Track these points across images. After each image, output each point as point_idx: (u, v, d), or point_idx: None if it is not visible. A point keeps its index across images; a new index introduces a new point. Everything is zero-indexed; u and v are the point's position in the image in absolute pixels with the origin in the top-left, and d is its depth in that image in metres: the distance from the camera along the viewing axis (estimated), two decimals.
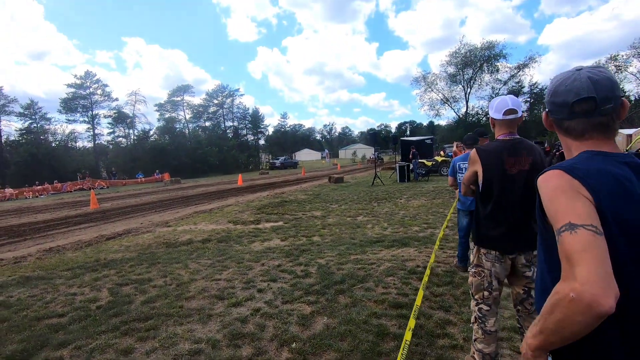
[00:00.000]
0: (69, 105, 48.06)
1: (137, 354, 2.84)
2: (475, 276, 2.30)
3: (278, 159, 53.66)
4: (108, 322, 3.40)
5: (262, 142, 70.58)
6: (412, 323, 2.43)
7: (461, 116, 48.55)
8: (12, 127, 44.77)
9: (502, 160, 2.15)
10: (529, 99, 49.60)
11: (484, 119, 45.49)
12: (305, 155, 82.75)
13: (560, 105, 0.99)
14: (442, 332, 2.93)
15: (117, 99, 51.75)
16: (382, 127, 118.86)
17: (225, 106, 61.83)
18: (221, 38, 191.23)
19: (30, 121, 45.24)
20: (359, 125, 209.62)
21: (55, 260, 6.03)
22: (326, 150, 78.88)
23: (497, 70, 45.78)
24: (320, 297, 3.75)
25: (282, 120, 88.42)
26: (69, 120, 48.80)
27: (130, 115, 52.90)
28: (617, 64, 39.96)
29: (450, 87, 48.41)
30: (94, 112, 49.77)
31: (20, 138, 44.20)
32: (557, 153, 17.97)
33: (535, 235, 2.16)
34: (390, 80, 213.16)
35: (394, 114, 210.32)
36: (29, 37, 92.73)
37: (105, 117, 51.22)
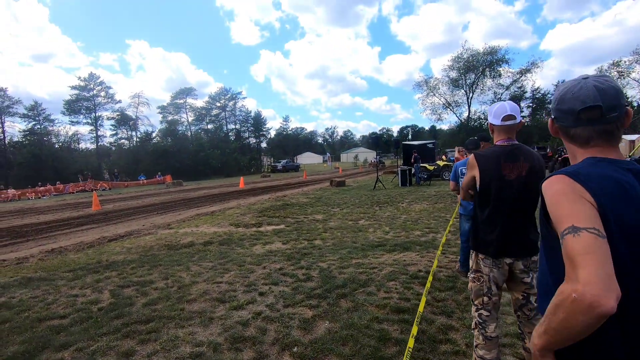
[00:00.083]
0: (73, 107, 48.40)
1: (138, 356, 2.84)
2: (474, 281, 2.31)
3: (280, 162, 53.77)
4: (109, 324, 3.39)
5: (264, 145, 70.85)
6: (414, 330, 2.42)
7: (463, 121, 48.56)
8: (16, 128, 45.16)
9: (499, 165, 2.16)
10: (531, 104, 49.59)
11: (486, 123, 45.34)
12: (307, 159, 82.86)
13: (566, 113, 1.01)
14: (444, 338, 2.92)
15: (120, 101, 52.18)
16: (384, 131, 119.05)
17: (227, 109, 62.10)
18: (224, 41, 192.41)
19: (33, 122, 45.59)
20: (361, 129, 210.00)
21: (57, 261, 6.04)
22: (328, 154, 78.93)
23: (500, 75, 45.86)
24: (322, 301, 3.74)
25: (284, 123, 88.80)
26: (72, 121, 49.22)
27: (133, 117, 53.24)
28: (620, 69, 39.92)
29: (453, 91, 48.52)
30: (97, 114, 50.15)
31: (23, 139, 44.50)
32: (560, 158, 17.93)
33: (534, 241, 2.18)
34: (392, 84, 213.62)
35: (396, 118, 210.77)
36: (33, 39, 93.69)
37: (108, 119, 51.64)
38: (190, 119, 60.01)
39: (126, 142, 53.79)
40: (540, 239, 1.07)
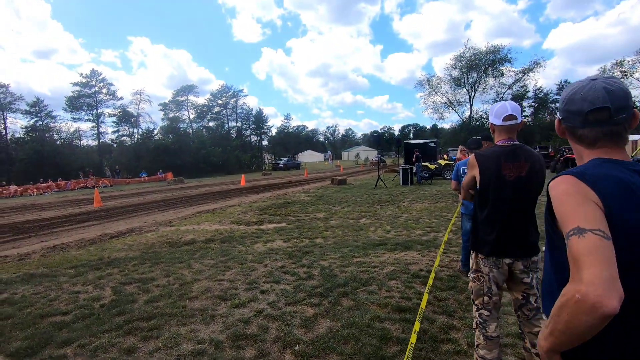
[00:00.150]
0: (74, 104, 48.49)
1: (140, 353, 2.85)
2: (474, 281, 2.31)
3: (281, 160, 53.79)
4: (111, 321, 3.41)
5: (265, 142, 70.84)
6: (417, 326, 2.42)
7: (465, 120, 48.50)
8: (18, 124, 45.23)
9: (499, 165, 2.16)
10: (533, 104, 49.53)
11: (488, 123, 45.39)
12: (308, 157, 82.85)
13: (574, 114, 1.01)
14: (445, 337, 2.92)
15: (122, 98, 52.28)
16: (386, 129, 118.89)
17: (229, 106, 62.13)
18: (226, 38, 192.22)
19: (35, 119, 45.67)
20: (362, 127, 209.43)
21: (59, 257, 6.06)
22: (329, 152, 78.89)
23: (502, 75, 45.77)
24: (323, 300, 3.75)
25: (286, 121, 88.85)
26: (74, 118, 49.32)
27: (135, 114, 53.29)
28: (623, 69, 39.77)
29: (455, 90, 48.46)
30: (98, 111, 50.23)
31: (25, 135, 44.60)
32: (562, 158, 17.89)
33: (534, 241, 2.18)
34: (394, 82, 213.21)
35: (397, 117, 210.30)
36: (35, 35, 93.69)
37: (110, 115, 51.76)
38: (191, 117, 60.14)
39: (128, 139, 53.90)
40: (546, 239, 1.07)
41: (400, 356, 2.66)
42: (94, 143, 51.78)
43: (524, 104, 48.74)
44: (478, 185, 2.26)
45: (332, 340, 2.93)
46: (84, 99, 49.03)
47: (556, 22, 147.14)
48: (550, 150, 27.05)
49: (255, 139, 66.77)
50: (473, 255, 2.33)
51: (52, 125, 47.57)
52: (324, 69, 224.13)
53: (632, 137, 21.67)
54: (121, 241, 7.19)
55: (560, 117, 1.07)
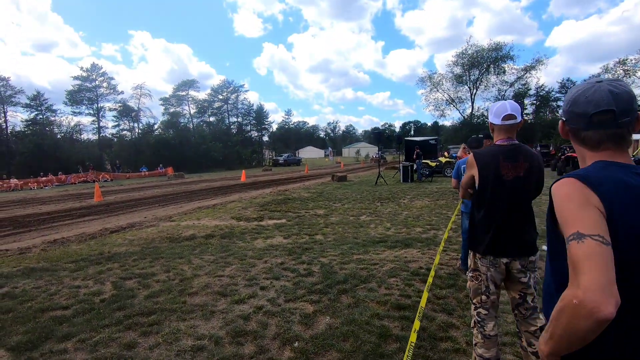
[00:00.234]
0: (75, 98, 48.39)
1: (140, 348, 2.86)
2: (472, 280, 2.32)
3: (281, 156, 53.77)
4: (112, 316, 3.42)
5: (265, 138, 70.75)
6: (417, 325, 2.43)
7: (466, 117, 48.37)
8: (18, 117, 45.14)
9: (498, 165, 2.16)
10: (534, 102, 49.36)
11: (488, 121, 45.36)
12: (308, 153, 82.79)
13: (579, 115, 1.01)
14: (444, 335, 2.93)
15: (122, 92, 52.19)
16: (386, 126, 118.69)
17: (229, 102, 62.00)
18: (227, 33, 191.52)
19: (36, 112, 45.57)
20: (363, 123, 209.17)
21: (59, 252, 6.07)
22: (330, 148, 78.80)
23: (504, 72, 45.58)
24: (323, 297, 3.76)
25: (287, 117, 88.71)
26: (74, 112, 49.29)
27: (135, 108, 53.19)
28: (626, 68, 39.60)
29: (456, 87, 48.32)
30: (99, 105, 50.12)
31: (25, 129, 44.54)
32: (563, 157, 17.84)
33: (531, 241, 2.18)
34: (395, 79, 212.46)
35: (398, 114, 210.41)
36: (35, 28, 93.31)
37: (110, 110, 51.65)
38: (192, 111, 60.06)
39: (128, 133, 53.87)
40: (547, 241, 1.07)
41: (399, 354, 2.67)
42: (95, 137, 51.80)
43: (526, 101, 48.61)
44: (476, 184, 2.26)
45: (331, 337, 2.94)
46: (85, 93, 48.94)
47: (559, 19, 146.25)
48: (551, 148, 27.01)
49: (256, 134, 66.72)
50: (471, 254, 2.34)
51: (53, 119, 47.59)
52: (325, 64, 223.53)
53: (633, 137, 21.61)
54: (121, 236, 7.20)
55: (564, 119, 1.07)
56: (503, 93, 46.29)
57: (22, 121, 45.02)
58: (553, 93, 48.95)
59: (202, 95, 61.58)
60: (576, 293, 0.78)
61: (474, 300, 2.32)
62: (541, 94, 48.40)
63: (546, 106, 49.28)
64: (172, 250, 5.84)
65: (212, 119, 62.16)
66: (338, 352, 2.72)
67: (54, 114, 47.50)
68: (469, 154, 4.62)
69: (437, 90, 48.43)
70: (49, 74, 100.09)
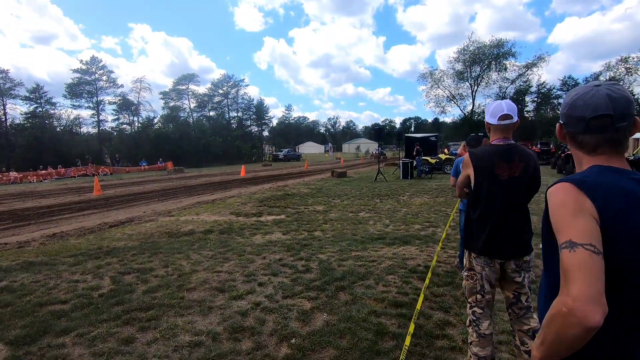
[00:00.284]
0: (74, 91, 48.16)
1: (138, 343, 2.87)
2: (467, 279, 2.34)
3: (281, 151, 53.70)
4: (110, 311, 3.43)
5: (265, 133, 70.59)
6: (411, 328, 2.44)
7: (467, 114, 48.22)
8: (17, 110, 44.95)
9: (493, 165, 2.16)
10: (536, 99, 49.20)
11: None
12: (308, 148, 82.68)
13: (576, 119, 1.01)
14: (441, 333, 2.94)
15: (122, 86, 51.91)
16: (387, 122, 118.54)
17: (230, 96, 61.74)
18: (228, 27, 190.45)
19: (35, 105, 45.34)
20: (364, 119, 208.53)
21: (58, 246, 6.08)
22: (330, 144, 78.68)
23: (505, 69, 45.35)
24: (321, 293, 3.77)
25: (287, 112, 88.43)
26: (73, 105, 49.06)
27: (135, 102, 53.00)
28: (628, 66, 39.46)
29: (457, 84, 48.09)
30: (98, 98, 49.89)
31: (25, 122, 44.37)
32: (563, 155, 17.82)
33: (526, 241, 2.20)
34: (396, 75, 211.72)
35: (399, 110, 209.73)
36: (34, 20, 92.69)
37: (110, 103, 51.44)
38: (192, 106, 59.81)
39: (128, 127, 53.73)
40: (542, 244, 1.07)
41: (396, 351, 2.68)
42: (94, 131, 51.64)
43: (527, 99, 48.48)
44: (472, 184, 2.27)
45: (328, 334, 2.95)
46: (84, 86, 48.68)
47: (562, 16, 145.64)
48: (551, 146, 26.98)
49: (256, 129, 66.55)
50: (466, 253, 2.35)
51: (52, 112, 47.34)
52: (326, 59, 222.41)
53: (634, 135, 21.57)
54: (120, 230, 7.21)
55: (561, 122, 1.07)
56: (504, 90, 46.14)
57: (21, 114, 44.86)
58: (554, 90, 48.78)
59: (202, 89, 61.36)
60: (566, 302, 0.81)
61: (469, 300, 2.34)
62: (542, 91, 48.21)
63: (547, 104, 49.11)
64: (170, 245, 5.86)
65: (212, 113, 61.97)
66: (335, 349, 2.74)
67: (53, 107, 47.31)
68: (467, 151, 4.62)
69: (438, 87, 48.25)
70: (49, 66, 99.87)
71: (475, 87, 47.42)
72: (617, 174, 0.96)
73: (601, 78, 43.32)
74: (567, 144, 1.09)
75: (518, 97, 47.32)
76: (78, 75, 48.07)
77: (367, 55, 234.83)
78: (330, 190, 12.99)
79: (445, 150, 24.45)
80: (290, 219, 7.91)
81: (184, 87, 58.72)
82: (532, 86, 47.22)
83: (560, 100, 47.35)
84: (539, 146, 27.68)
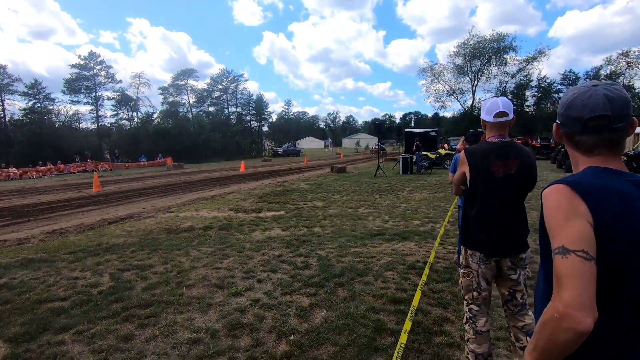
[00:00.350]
0: (73, 86, 47.91)
1: (137, 341, 2.88)
2: (464, 277, 2.35)
3: (281, 147, 53.56)
4: (109, 308, 3.44)
5: (265, 128, 70.36)
6: (407, 325, 2.44)
7: (467, 109, 48.06)
8: (16, 106, 44.79)
9: (488, 162, 2.16)
10: (536, 93, 48.99)
11: None
12: (308, 143, 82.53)
13: (573, 120, 1.00)
14: (439, 330, 2.95)
15: (120, 81, 51.68)
16: (387, 117, 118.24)
17: (229, 91, 61.48)
18: (226, 21, 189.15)
19: (34, 101, 45.15)
20: (363, 114, 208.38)
21: (57, 242, 6.08)
22: (329, 139, 78.51)
23: (506, 63, 45.08)
24: (320, 290, 3.78)
25: (286, 107, 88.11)
26: (72, 101, 48.77)
27: (134, 98, 52.78)
28: (629, 60, 39.27)
29: (457, 78, 47.83)
30: (97, 94, 49.66)
31: (24, 117, 44.21)
32: (562, 150, 17.80)
33: (522, 238, 2.20)
34: (396, 69, 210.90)
35: (399, 104, 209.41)
36: (32, 14, 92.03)
37: (108, 99, 51.24)
38: (191, 101, 59.53)
39: (127, 122, 53.57)
40: (540, 245, 1.07)
41: (394, 348, 2.68)
42: (93, 126, 51.48)
43: (527, 93, 48.29)
44: (467, 182, 2.27)
45: (327, 330, 2.96)
46: (83, 82, 48.42)
47: (563, 9, 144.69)
48: (551, 141, 26.90)
49: (256, 124, 66.33)
50: (463, 250, 2.36)
51: (51, 107, 47.11)
52: (325, 54, 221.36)
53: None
54: (120, 227, 7.21)
55: (558, 122, 1.07)
56: (504, 84, 45.94)
57: (20, 110, 44.70)
58: (555, 85, 48.57)
59: (201, 84, 61.03)
60: (558, 307, 0.83)
61: (466, 297, 2.35)
62: (543, 85, 48.00)
63: (548, 98, 48.90)
64: (170, 241, 5.86)
65: (211, 108, 61.73)
66: (333, 346, 2.75)
67: (52, 103, 47.07)
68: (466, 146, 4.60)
69: (438, 81, 47.99)
70: (47, 61, 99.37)
71: (476, 82, 47.21)
72: (613, 176, 0.95)
73: (602, 72, 43.17)
74: (564, 144, 1.08)
75: (518, 92, 47.15)
76: (76, 70, 47.79)
77: (367, 49, 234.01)
78: (329, 186, 12.99)
79: (445, 146, 24.38)
80: (289, 215, 7.91)
81: (183, 83, 58.44)
82: (532, 80, 47.02)
83: (561, 95, 47.17)
84: (539, 141, 27.63)
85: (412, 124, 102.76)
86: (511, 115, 2.18)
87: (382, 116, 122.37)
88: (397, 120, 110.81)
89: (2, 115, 43.20)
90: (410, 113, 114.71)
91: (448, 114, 62.34)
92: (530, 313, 2.23)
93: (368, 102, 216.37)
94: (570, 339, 0.81)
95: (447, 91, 48.29)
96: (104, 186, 15.70)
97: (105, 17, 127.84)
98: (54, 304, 3.57)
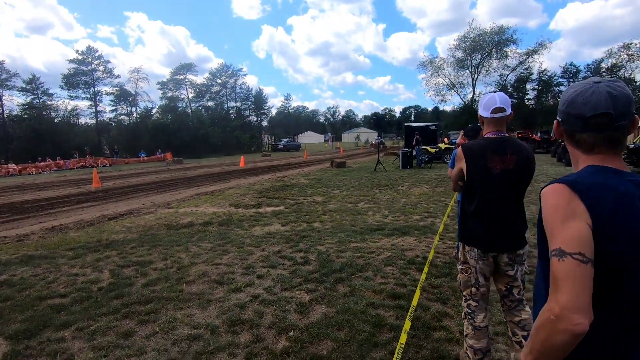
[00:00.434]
0: (71, 81, 47.69)
1: (137, 337, 2.89)
2: (462, 273, 2.35)
3: (281, 141, 53.44)
4: (109, 304, 3.45)
5: (265, 123, 70.20)
6: (407, 325, 2.44)
7: (467, 102, 47.89)
8: (14, 101, 44.59)
9: (486, 158, 2.15)
10: (536, 87, 48.79)
11: None
12: (308, 138, 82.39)
13: (575, 117, 0.98)
14: (438, 325, 2.96)
15: (119, 76, 51.46)
16: (387, 111, 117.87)
17: (228, 86, 61.22)
18: (225, 15, 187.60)
19: (32, 96, 44.94)
20: (363, 108, 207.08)
21: (57, 239, 6.09)
22: (329, 133, 78.36)
23: (506, 56, 44.85)
24: (319, 285, 3.78)
25: (286, 101, 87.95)
26: (70, 96, 48.60)
27: (133, 93, 52.55)
28: (630, 52, 39.04)
29: (457, 72, 47.63)
30: (96, 89, 49.45)
31: (22, 113, 44.03)
32: (562, 143, 17.77)
33: (520, 234, 2.21)
34: (396, 63, 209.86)
35: (398, 98, 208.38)
36: (29, 9, 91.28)
37: (107, 94, 51.02)
38: (190, 96, 59.33)
39: (126, 118, 53.38)
40: (538, 244, 1.06)
41: (393, 343, 2.70)
42: (92, 122, 51.30)
43: (528, 86, 48.09)
44: (465, 178, 2.26)
45: (326, 326, 2.97)
46: (81, 77, 48.18)
47: (564, 1, 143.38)
48: (551, 134, 26.82)
49: (255, 119, 66.16)
50: (461, 246, 2.36)
51: (49, 103, 46.91)
52: (325, 48, 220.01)
53: None
54: (119, 223, 7.21)
55: (559, 119, 1.04)
56: (505, 78, 45.73)
57: (18, 105, 44.50)
58: (555, 78, 48.38)
59: (200, 79, 60.82)
60: (554, 309, 0.84)
61: (464, 293, 2.36)
62: (543, 79, 47.78)
63: (548, 91, 48.73)
64: (170, 237, 5.86)
65: (210, 103, 61.53)
66: (333, 342, 2.75)
67: (50, 98, 46.87)
68: (466, 141, 4.58)
69: (438, 75, 47.79)
70: (44, 56, 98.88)
71: (476, 75, 47.00)
72: (613, 175, 0.94)
73: (603, 65, 42.94)
74: (564, 141, 1.06)
75: (519, 85, 46.96)
76: (74, 65, 47.56)
77: (366, 43, 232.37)
78: (329, 181, 12.98)
79: (445, 140, 24.31)
80: (289, 210, 7.91)
81: (181, 77, 58.19)
82: (533, 74, 46.82)
83: (562, 88, 47.06)
84: (539, 134, 27.54)
85: (412, 118, 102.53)
86: (509, 111, 2.16)
87: (382, 110, 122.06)
88: (397, 114, 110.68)
89: (1, 111, 43.04)
90: (410, 107, 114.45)
91: (448, 108, 62.23)
92: (527, 308, 2.24)
93: (368, 96, 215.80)
94: (566, 341, 0.82)
95: (447, 85, 48.14)
96: (104, 182, 15.69)
97: (102, 11, 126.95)
98: (54, 301, 3.58)
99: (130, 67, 64.34)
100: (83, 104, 50.15)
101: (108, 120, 52.64)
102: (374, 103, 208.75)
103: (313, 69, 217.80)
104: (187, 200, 9.94)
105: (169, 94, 57.21)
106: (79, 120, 51.67)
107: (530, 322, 2.19)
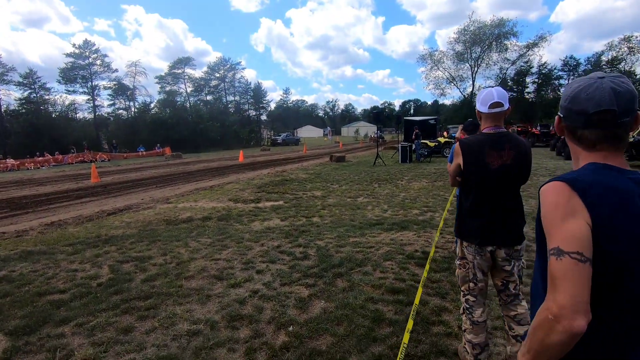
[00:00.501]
0: (68, 76, 47.33)
1: (136, 333, 2.89)
2: (460, 268, 2.36)
3: (280, 136, 53.34)
4: (109, 300, 3.45)
5: (264, 117, 69.93)
6: (410, 324, 2.45)
7: (466, 96, 47.74)
8: (12, 96, 44.32)
9: (483, 154, 2.14)
10: (536, 80, 48.58)
11: None
12: (307, 132, 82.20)
13: (577, 113, 0.96)
14: (437, 319, 2.97)
15: (117, 70, 51.05)
16: (386, 104, 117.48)
17: (227, 80, 60.85)
18: (223, 8, 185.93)
19: (29, 91, 44.65)
20: (363, 102, 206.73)
21: (56, 234, 6.08)
22: (328, 128, 78.15)
23: (506, 49, 44.60)
24: (318, 280, 3.79)
25: (285, 95, 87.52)
26: (68, 90, 48.27)
27: (131, 87, 52.24)
28: (631, 45, 38.81)
29: (457, 65, 47.42)
30: (93, 83, 49.10)
31: (20, 108, 43.78)
32: (562, 137, 17.75)
33: (517, 230, 2.20)
34: (395, 56, 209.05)
35: (398, 92, 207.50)
36: (25, 2, 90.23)
37: (105, 88, 50.68)
38: (188, 90, 58.96)
39: (124, 112, 53.14)
40: (537, 242, 1.05)
41: (392, 338, 2.71)
42: (90, 116, 51.08)
43: (527, 80, 47.88)
44: (462, 173, 2.25)
45: (325, 321, 2.97)
46: (78, 71, 47.80)
47: None
48: (551, 128, 26.77)
49: (254, 113, 65.88)
50: (459, 242, 2.36)
51: (47, 97, 46.59)
52: (324, 41, 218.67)
53: None
54: (118, 218, 7.20)
55: (561, 115, 1.02)
56: (505, 71, 45.53)
57: (15, 100, 44.21)
58: (555, 71, 48.14)
59: (198, 73, 60.37)
60: (552, 309, 0.83)
61: (462, 288, 2.37)
62: (543, 72, 47.55)
63: (548, 85, 48.53)
64: (169, 232, 5.86)
65: (209, 97, 61.22)
66: (332, 336, 2.76)
67: (48, 93, 46.52)
68: (465, 136, 4.56)
69: (438, 69, 47.61)
70: (41, 50, 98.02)
71: (476, 69, 46.81)
72: (615, 173, 0.92)
73: (603, 58, 42.71)
74: (565, 137, 1.04)
75: (518, 78, 46.76)
76: (71, 59, 47.15)
77: (365, 36, 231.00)
78: (328, 175, 12.96)
79: (445, 134, 24.30)
80: (288, 205, 7.91)
81: (179, 71, 57.75)
82: (533, 67, 46.60)
83: (562, 81, 46.91)
84: (538, 128, 27.50)
85: (412, 111, 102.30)
86: (506, 106, 2.15)
87: (382, 104, 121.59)
88: (397, 108, 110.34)
89: None
90: (409, 101, 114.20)
91: (448, 102, 62.12)
92: (523, 303, 2.25)
93: (367, 90, 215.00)
94: (563, 340, 0.82)
95: (447, 78, 47.99)
96: (102, 177, 15.66)
97: (99, 4, 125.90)
98: (54, 297, 3.58)
99: (128, 61, 63.90)
100: (81, 99, 49.87)
101: (106, 115, 52.46)
102: (374, 97, 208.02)
103: (312, 63, 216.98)
104: (186, 195, 9.93)
105: (167, 88, 56.86)
106: (77, 115, 51.50)
107: (526, 316, 2.20)
